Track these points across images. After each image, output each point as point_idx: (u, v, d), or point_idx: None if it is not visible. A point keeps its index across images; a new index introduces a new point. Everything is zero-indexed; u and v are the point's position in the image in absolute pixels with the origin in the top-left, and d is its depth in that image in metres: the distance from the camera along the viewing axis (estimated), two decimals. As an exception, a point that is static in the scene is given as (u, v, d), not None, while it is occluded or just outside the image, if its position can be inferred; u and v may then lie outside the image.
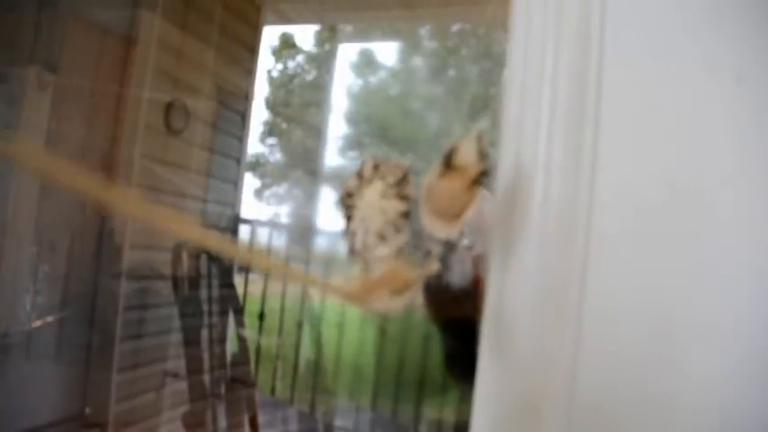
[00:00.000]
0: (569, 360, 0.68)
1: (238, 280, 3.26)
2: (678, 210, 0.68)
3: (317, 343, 3.37)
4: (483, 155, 0.66)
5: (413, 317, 2.89)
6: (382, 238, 0.71)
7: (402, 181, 0.71)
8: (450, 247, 0.71)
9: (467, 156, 0.66)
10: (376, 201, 0.70)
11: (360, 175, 0.72)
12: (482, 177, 0.67)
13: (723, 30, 0.68)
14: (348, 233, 0.73)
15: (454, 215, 0.67)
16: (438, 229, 0.68)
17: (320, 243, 3.83)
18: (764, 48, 0.67)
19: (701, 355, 0.67)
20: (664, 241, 0.68)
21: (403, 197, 0.71)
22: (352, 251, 0.73)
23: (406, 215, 0.71)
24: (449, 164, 0.66)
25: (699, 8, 0.70)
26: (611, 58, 0.70)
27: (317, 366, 3.35)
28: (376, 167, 0.72)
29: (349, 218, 0.72)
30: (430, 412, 3.26)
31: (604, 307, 0.69)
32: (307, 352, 3.40)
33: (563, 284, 0.68)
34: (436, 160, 0.68)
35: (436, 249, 0.73)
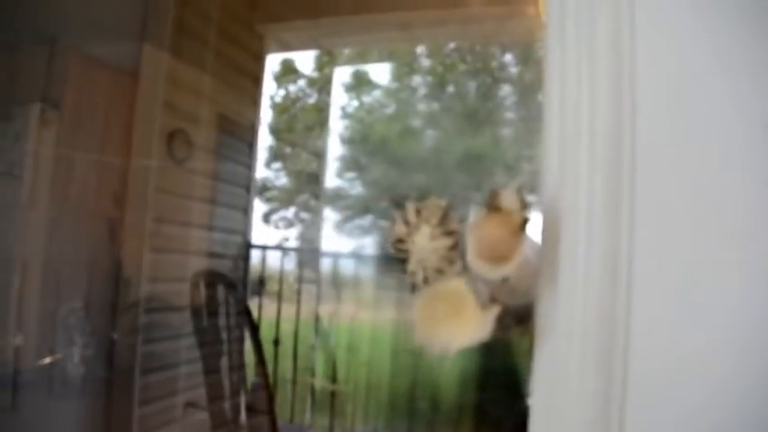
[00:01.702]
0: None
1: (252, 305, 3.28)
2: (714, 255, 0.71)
3: (333, 366, 3.38)
4: (524, 203, 0.72)
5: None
6: (440, 272, 0.77)
7: (444, 219, 0.78)
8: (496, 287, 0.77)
9: (510, 201, 0.72)
10: (427, 244, 0.78)
11: (405, 221, 0.79)
12: (526, 224, 0.72)
13: (759, 80, 0.72)
14: (408, 273, 0.79)
15: (501, 258, 0.72)
16: (485, 271, 0.74)
17: (326, 264, 3.86)
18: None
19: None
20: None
21: (449, 233, 0.78)
22: (414, 288, 0.79)
23: (455, 247, 0.77)
24: (492, 205, 0.72)
25: (733, 55, 0.73)
26: (644, 107, 0.75)
27: (333, 390, 3.36)
28: (418, 212, 0.79)
29: (405, 261, 0.79)
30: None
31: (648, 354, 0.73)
32: (322, 375, 3.41)
33: (609, 333, 0.73)
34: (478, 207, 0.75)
35: (484, 289, 0.78)
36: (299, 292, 3.40)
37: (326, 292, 3.62)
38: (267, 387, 2.73)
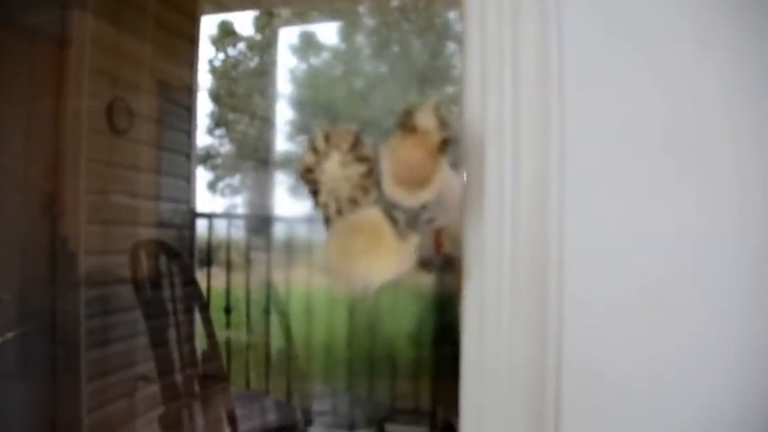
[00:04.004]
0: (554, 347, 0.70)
1: (200, 275, 3.23)
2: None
3: (287, 330, 3.36)
4: (443, 123, 0.67)
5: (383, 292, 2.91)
6: (354, 201, 0.72)
7: (356, 144, 0.72)
8: (414, 216, 0.72)
9: (426, 120, 0.67)
10: (338, 170, 0.72)
11: (314, 148, 0.73)
12: (445, 145, 0.68)
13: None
14: (320, 206, 0.74)
15: (418, 183, 0.68)
16: (403, 198, 0.69)
17: (279, 230, 3.80)
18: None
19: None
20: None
21: (362, 159, 0.72)
22: (328, 220, 0.74)
23: (369, 174, 0.72)
24: (406, 125, 0.67)
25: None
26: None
27: (288, 354, 3.35)
28: (327, 138, 0.73)
29: (315, 192, 0.73)
30: (405, 387, 3.30)
31: (584, 284, 0.71)
32: (277, 340, 3.39)
33: (540, 263, 0.70)
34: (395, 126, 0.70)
35: (402, 218, 0.74)
36: (247, 260, 3.35)
37: (278, 259, 3.57)
38: (218, 357, 2.70)
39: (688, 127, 0.68)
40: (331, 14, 3.93)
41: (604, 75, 0.70)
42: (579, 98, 0.69)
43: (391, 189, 0.71)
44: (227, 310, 3.22)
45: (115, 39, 2.72)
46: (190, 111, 3.21)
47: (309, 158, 0.73)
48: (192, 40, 3.19)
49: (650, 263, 0.70)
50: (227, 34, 3.61)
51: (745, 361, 0.67)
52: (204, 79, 3.47)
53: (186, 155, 3.20)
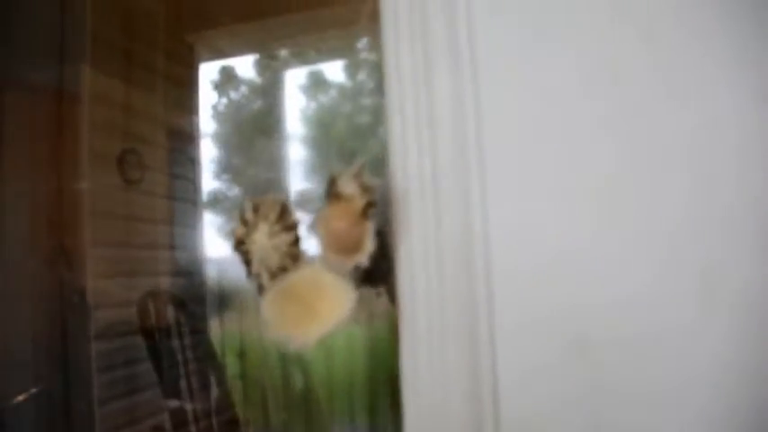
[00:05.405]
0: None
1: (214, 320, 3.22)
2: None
3: (304, 370, 3.34)
4: (365, 187, 0.68)
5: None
6: (284, 269, 0.74)
7: (283, 214, 0.75)
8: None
9: (348, 187, 0.68)
10: (266, 242, 0.74)
11: (243, 220, 0.74)
12: (369, 209, 0.68)
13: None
14: (252, 275, 0.75)
15: (350, 248, 0.69)
16: (338, 262, 0.70)
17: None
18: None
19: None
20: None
21: (289, 228, 0.75)
22: (261, 288, 0.76)
23: (296, 242, 0.75)
24: (331, 193, 0.69)
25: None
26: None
27: (306, 393, 3.32)
28: (256, 209, 0.75)
29: (248, 262, 0.75)
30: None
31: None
32: (294, 381, 3.36)
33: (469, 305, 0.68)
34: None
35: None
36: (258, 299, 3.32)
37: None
38: (231, 405, 2.69)
39: (614, 172, 0.67)
40: (329, 53, 3.97)
41: (519, 123, 0.69)
42: (496, 144, 0.69)
43: (327, 254, 0.74)
44: (241, 355, 3.21)
45: (116, 90, 2.78)
46: (193, 158, 3.25)
47: (240, 230, 0.75)
48: (192, 88, 3.25)
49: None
50: (228, 79, 3.68)
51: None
52: (208, 125, 3.51)
53: (193, 202, 3.22)
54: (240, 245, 0.75)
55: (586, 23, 0.67)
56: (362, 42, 3.68)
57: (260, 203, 0.75)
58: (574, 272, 0.66)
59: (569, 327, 0.66)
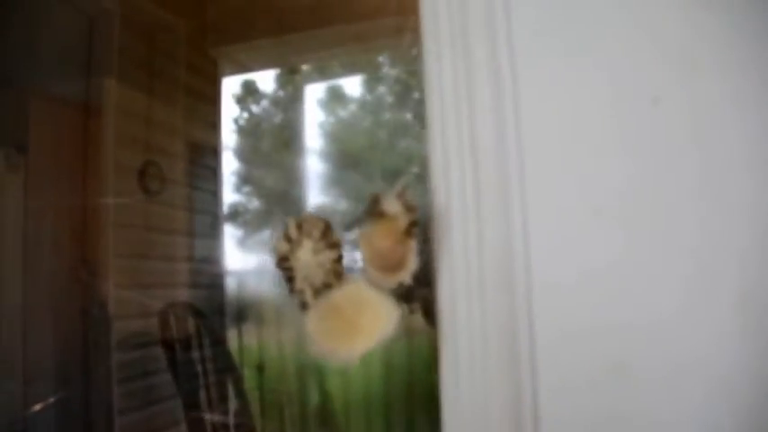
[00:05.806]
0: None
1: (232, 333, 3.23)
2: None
3: (322, 386, 3.33)
4: (409, 206, 0.69)
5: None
6: (328, 286, 0.75)
7: (326, 231, 0.75)
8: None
9: (392, 206, 0.68)
10: (311, 259, 0.74)
11: (287, 237, 0.75)
12: (412, 227, 0.69)
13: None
14: (295, 292, 0.75)
15: (394, 267, 0.69)
16: (381, 280, 0.71)
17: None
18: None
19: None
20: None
21: (332, 245, 0.75)
22: (304, 305, 0.75)
23: (340, 259, 0.75)
24: (374, 212, 0.69)
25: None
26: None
27: (325, 409, 3.31)
28: (299, 227, 0.75)
29: (291, 279, 0.75)
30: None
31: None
32: (313, 397, 3.35)
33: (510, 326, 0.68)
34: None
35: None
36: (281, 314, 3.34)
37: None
38: (249, 417, 2.68)
39: (650, 190, 0.66)
40: (351, 67, 4.00)
41: (560, 140, 0.69)
42: (536, 162, 0.69)
43: (369, 271, 0.74)
44: (260, 369, 3.21)
45: (140, 104, 2.81)
46: (215, 171, 3.28)
47: (283, 247, 0.75)
48: (215, 102, 3.28)
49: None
50: (250, 93, 3.72)
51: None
52: (230, 138, 3.55)
53: (214, 214, 3.25)
54: (283, 261, 0.75)
55: (625, 47, 0.67)
56: (384, 57, 3.72)
57: (303, 221, 0.75)
58: (615, 289, 0.66)
59: (610, 344, 0.65)
